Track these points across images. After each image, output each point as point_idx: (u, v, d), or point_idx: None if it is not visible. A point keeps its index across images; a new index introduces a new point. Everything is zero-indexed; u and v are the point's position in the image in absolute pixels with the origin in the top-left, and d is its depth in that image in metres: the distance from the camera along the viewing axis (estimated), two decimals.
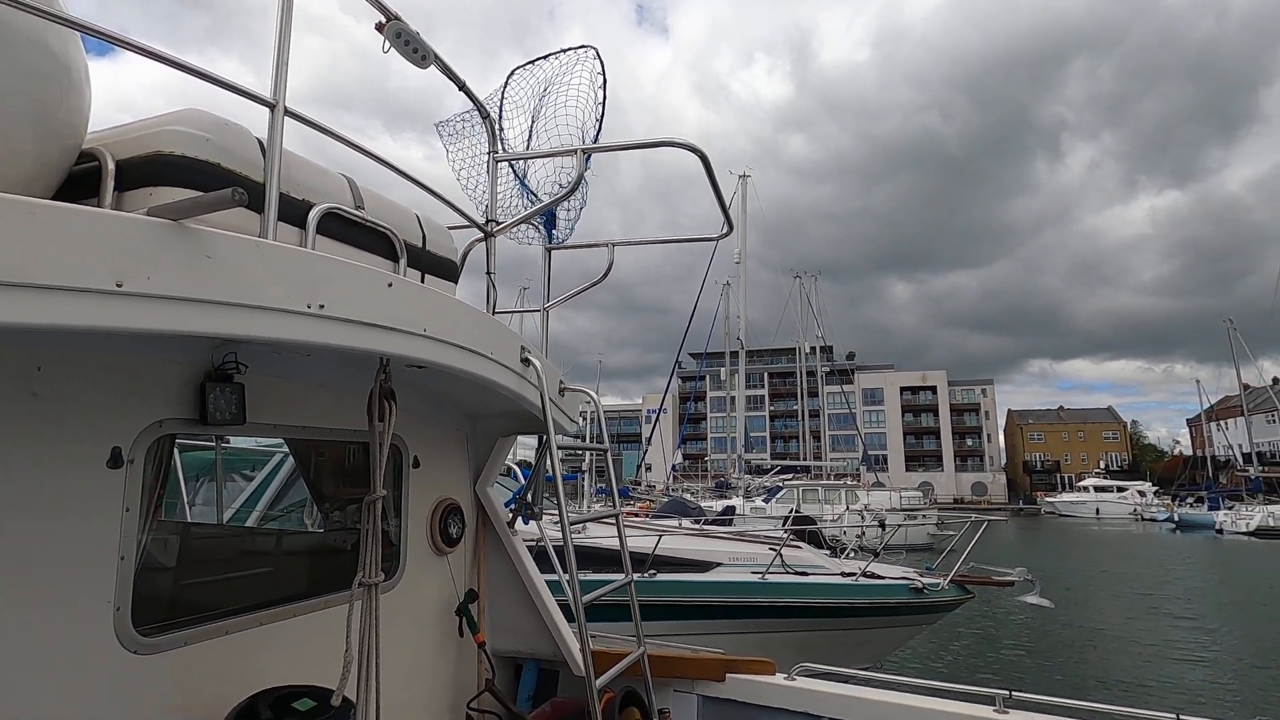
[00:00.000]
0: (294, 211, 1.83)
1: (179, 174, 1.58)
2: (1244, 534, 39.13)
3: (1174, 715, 2.75)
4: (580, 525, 9.10)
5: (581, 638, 2.38)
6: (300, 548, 3.19)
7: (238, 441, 3.19)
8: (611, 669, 2.56)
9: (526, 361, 2.54)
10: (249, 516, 3.36)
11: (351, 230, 2.05)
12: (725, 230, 3.33)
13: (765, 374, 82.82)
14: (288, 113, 1.69)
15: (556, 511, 2.71)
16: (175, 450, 3.05)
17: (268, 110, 1.66)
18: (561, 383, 3.02)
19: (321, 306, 1.54)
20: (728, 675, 3.33)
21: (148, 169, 1.59)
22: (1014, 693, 2.98)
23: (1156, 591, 19.79)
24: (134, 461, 1.87)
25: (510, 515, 3.57)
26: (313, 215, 1.84)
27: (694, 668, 3.37)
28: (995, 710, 2.92)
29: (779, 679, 3.31)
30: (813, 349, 49.80)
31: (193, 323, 1.33)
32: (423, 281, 2.37)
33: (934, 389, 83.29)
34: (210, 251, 1.34)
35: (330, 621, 2.42)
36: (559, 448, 2.62)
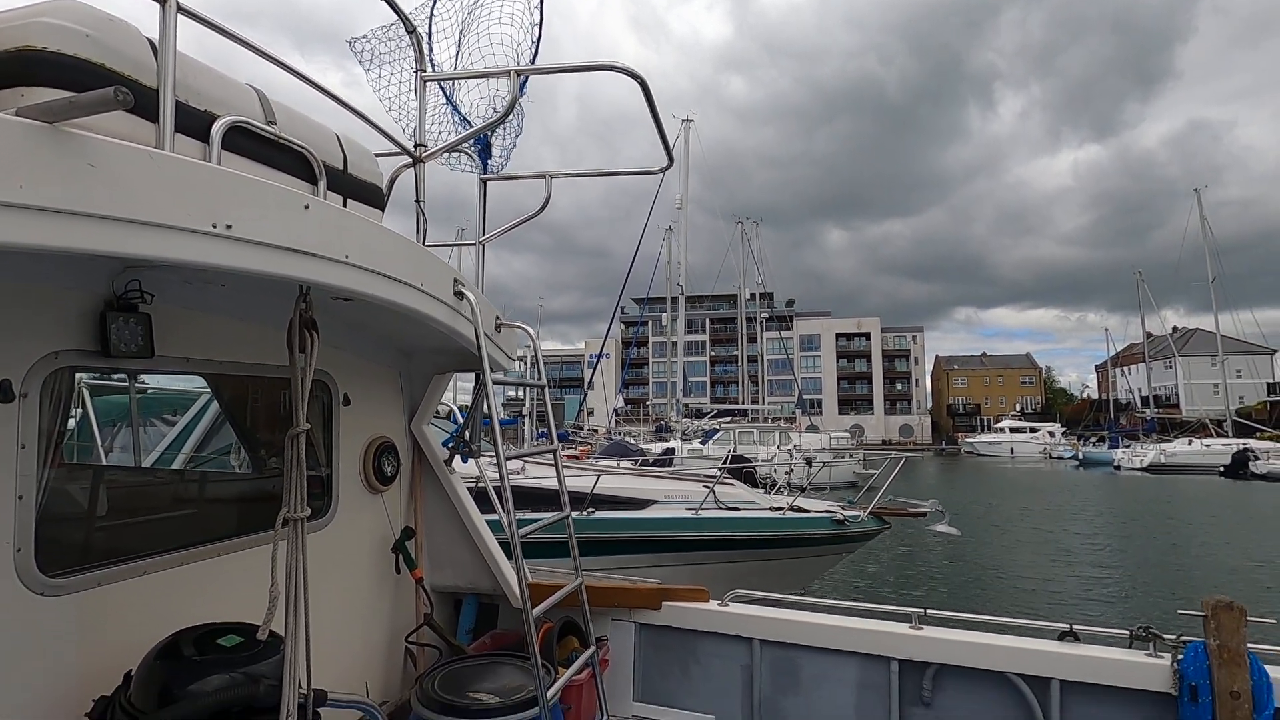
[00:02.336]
0: (195, 123, 1.67)
1: (54, 73, 1.40)
2: (1138, 470, 42.64)
3: (1068, 626, 3.00)
4: (520, 466, 9.16)
5: (519, 570, 2.39)
6: (226, 490, 3.08)
7: (159, 382, 3.01)
8: (549, 599, 2.60)
9: (460, 295, 2.46)
10: (173, 460, 3.22)
11: (263, 148, 1.89)
12: (666, 164, 3.26)
13: (707, 320, 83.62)
14: (181, 10, 1.52)
15: (493, 449, 2.69)
16: (85, 390, 2.89)
17: (158, 6, 1.49)
18: (498, 318, 2.95)
19: (229, 227, 1.43)
20: (664, 604, 3.44)
21: (16, 66, 1.41)
22: (928, 610, 3.19)
23: (1056, 520, 21.50)
24: (27, 396, 1.74)
25: (447, 454, 3.53)
26: (217, 128, 1.69)
27: (631, 597, 3.46)
28: (911, 626, 3.12)
29: (713, 605, 3.45)
30: (753, 295, 50.47)
31: (78, 239, 1.19)
32: (344, 207, 2.23)
33: (868, 335, 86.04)
34: (94, 160, 1.21)
35: (257, 561, 2.36)
36: (495, 384, 2.58)
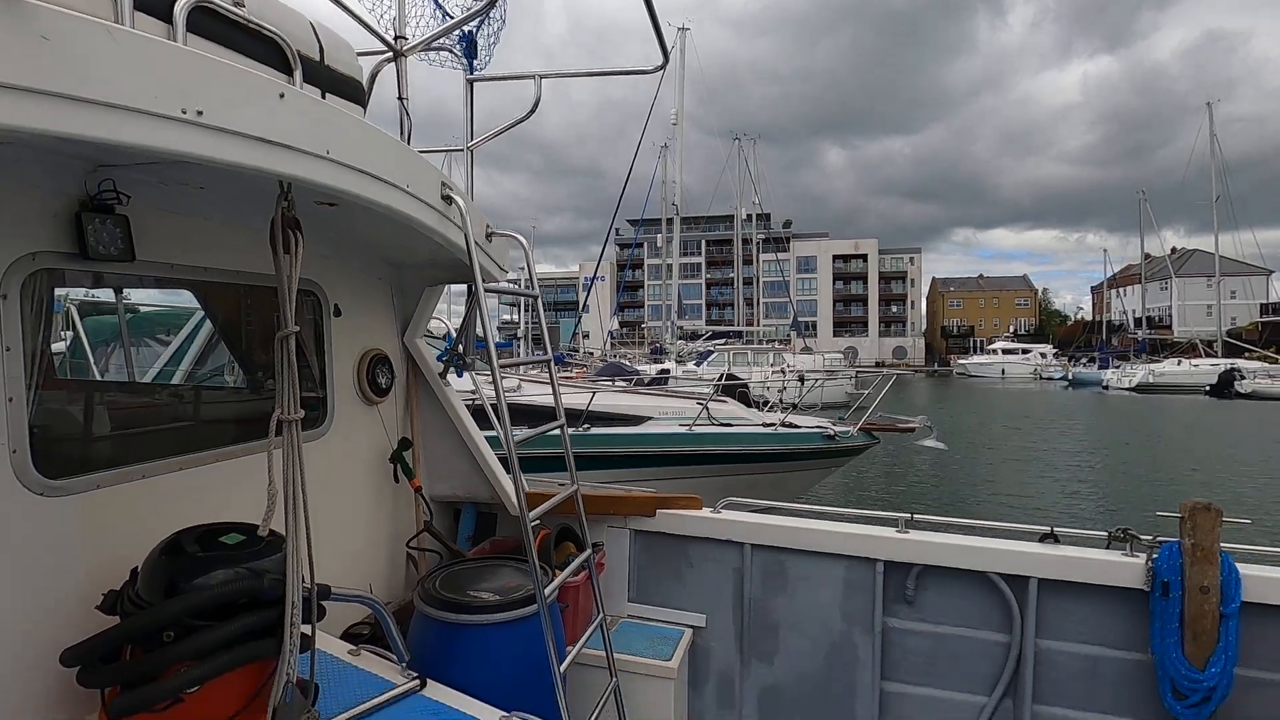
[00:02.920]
0: (156, 1, 1.56)
1: None
2: (1126, 389, 43.35)
3: (1048, 528, 3.10)
4: (516, 385, 9.24)
5: (515, 476, 2.43)
6: (222, 404, 3.08)
7: (149, 298, 2.97)
8: (546, 503, 2.65)
9: (448, 199, 2.39)
10: (169, 378, 3.21)
11: (232, 32, 1.78)
12: (661, 63, 3.11)
13: (703, 241, 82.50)
14: None
15: (487, 361, 2.68)
16: (75, 312, 2.84)
17: None
18: (489, 227, 2.88)
19: (200, 113, 1.35)
20: (658, 511, 3.53)
21: None
22: (915, 515, 3.28)
23: (1042, 438, 22.04)
24: (7, 297, 1.71)
25: (441, 368, 3.53)
26: (180, 6, 1.58)
27: (626, 505, 3.55)
28: (898, 531, 3.22)
29: (705, 513, 3.54)
30: (750, 216, 49.59)
31: (34, 117, 1.11)
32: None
33: (865, 257, 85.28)
34: (48, 32, 1.12)
35: (255, 467, 2.39)
36: (488, 290, 2.54)
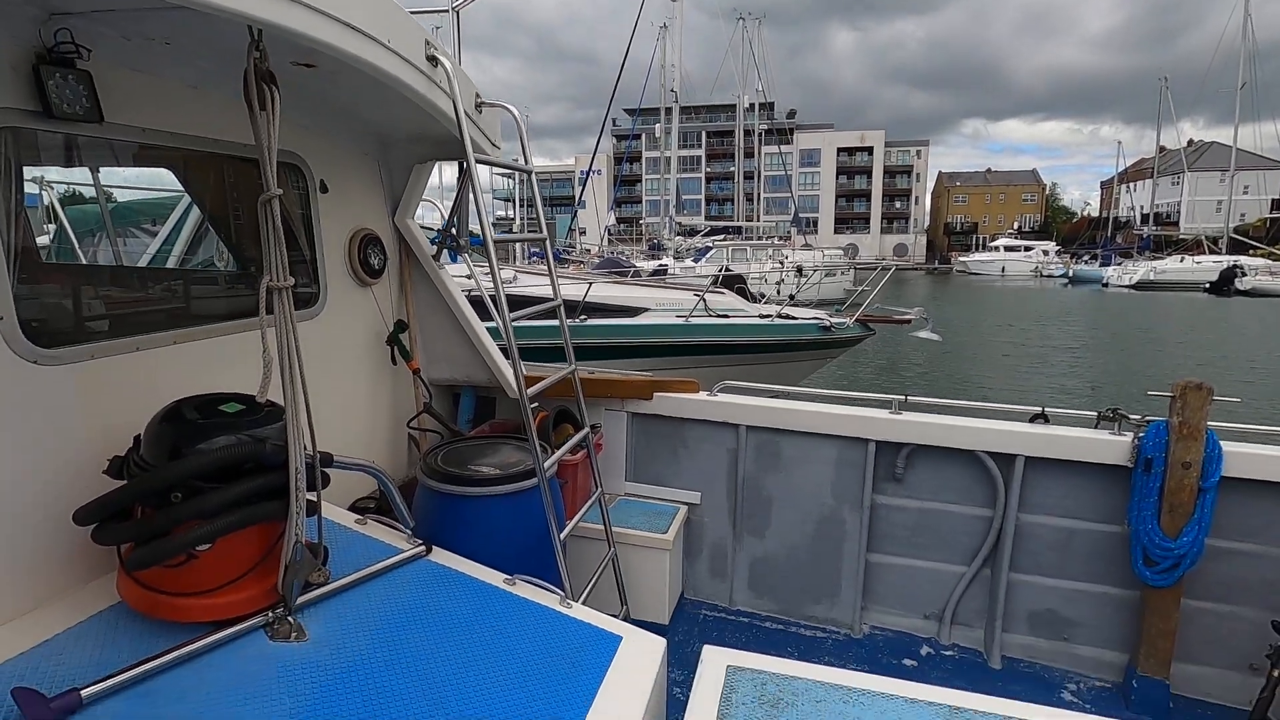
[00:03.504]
0: None
1: None
2: (1126, 287, 43.20)
3: (1040, 408, 3.15)
4: (512, 276, 9.15)
5: (512, 355, 2.43)
6: (211, 285, 3.04)
7: (130, 180, 2.85)
8: (544, 382, 2.67)
9: (433, 60, 2.24)
10: (162, 262, 3.15)
11: None
12: None
13: (703, 133, 79.33)
14: None
15: (482, 237, 2.61)
16: (56, 203, 2.74)
17: None
18: (478, 97, 2.73)
19: None
20: (655, 394, 3.58)
21: None
22: (908, 397, 3.33)
23: (1037, 333, 22.20)
24: None
25: (435, 250, 3.46)
26: None
27: (624, 388, 3.59)
28: (890, 412, 3.28)
29: (702, 396, 3.58)
30: (752, 105, 47.46)
31: None
32: None
33: (870, 150, 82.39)
34: None
35: (247, 345, 2.38)
36: (479, 163, 2.43)
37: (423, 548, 2.28)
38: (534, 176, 2.91)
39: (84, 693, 1.43)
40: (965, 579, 3.25)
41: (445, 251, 3.45)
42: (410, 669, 1.75)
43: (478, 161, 2.39)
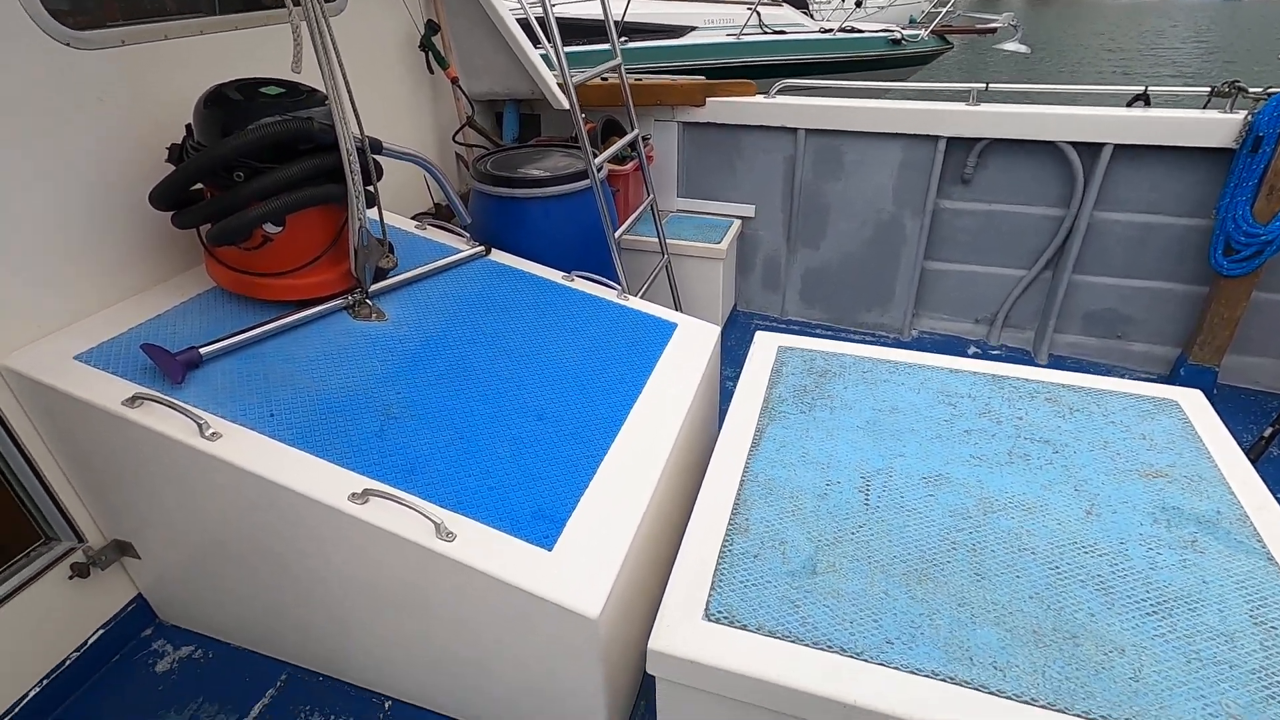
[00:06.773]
0: None
1: None
2: None
3: (1142, 88, 2.81)
4: None
5: (558, 56, 2.23)
6: None
7: None
8: (589, 72, 2.49)
9: None
10: None
11: None
12: None
13: None
14: None
15: None
16: None
17: None
18: None
19: None
20: (707, 100, 3.32)
21: None
22: (990, 85, 3.00)
23: (1143, 56, 19.34)
24: None
25: None
26: None
27: (674, 94, 3.34)
28: (968, 104, 2.99)
29: (759, 99, 3.32)
30: None
31: None
32: None
33: None
34: None
35: (274, 36, 2.23)
36: None
37: (481, 248, 2.33)
38: None
39: (202, 350, 1.59)
40: (1024, 283, 3.21)
41: None
42: (487, 343, 1.88)
43: None
